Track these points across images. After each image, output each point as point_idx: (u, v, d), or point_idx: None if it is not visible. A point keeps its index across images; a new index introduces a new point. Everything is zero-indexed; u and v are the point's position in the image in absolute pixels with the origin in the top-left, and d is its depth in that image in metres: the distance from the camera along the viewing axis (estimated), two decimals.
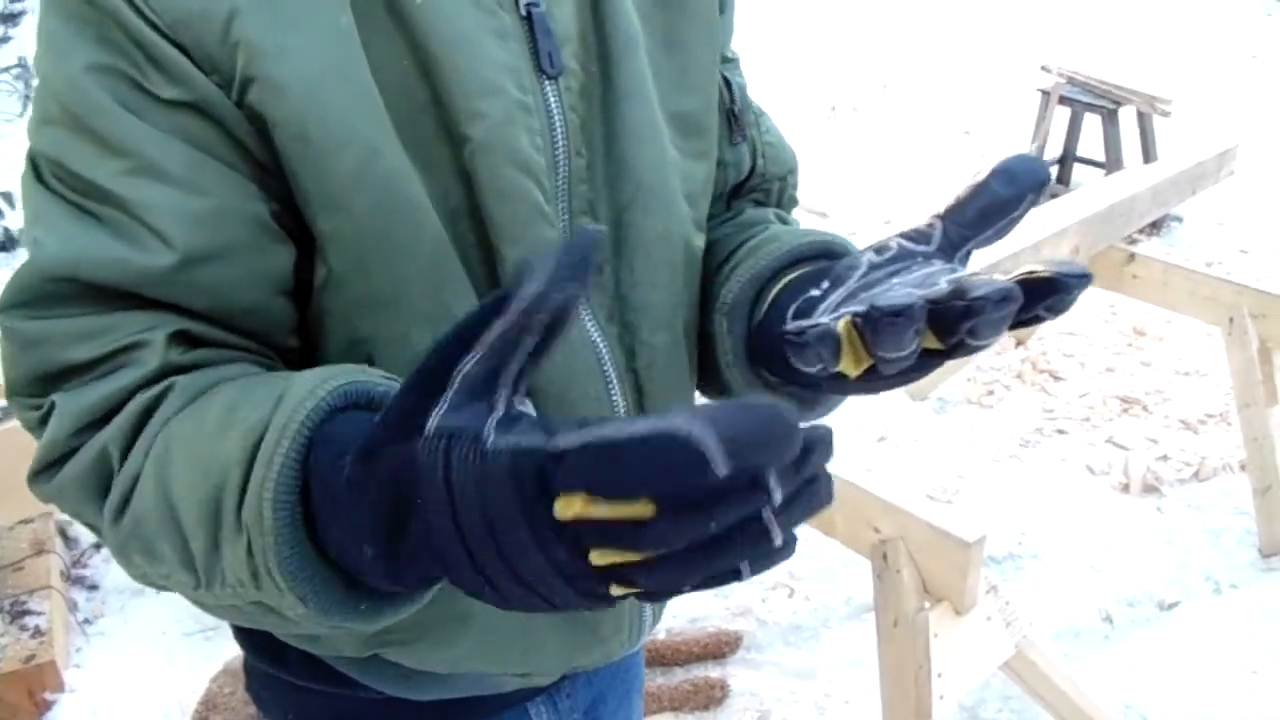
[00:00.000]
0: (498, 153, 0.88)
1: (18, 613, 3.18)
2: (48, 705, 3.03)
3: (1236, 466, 4.26)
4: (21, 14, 7.48)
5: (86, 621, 3.38)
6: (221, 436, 0.75)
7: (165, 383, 0.82)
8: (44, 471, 0.84)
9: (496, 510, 0.57)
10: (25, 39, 7.13)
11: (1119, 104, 6.83)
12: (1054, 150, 7.14)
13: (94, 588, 3.54)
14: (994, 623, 2.37)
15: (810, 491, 0.56)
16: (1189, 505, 4.12)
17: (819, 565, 3.67)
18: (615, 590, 0.57)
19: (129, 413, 0.81)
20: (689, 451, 0.49)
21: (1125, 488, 4.22)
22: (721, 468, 0.49)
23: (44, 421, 0.84)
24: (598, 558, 0.56)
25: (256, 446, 0.73)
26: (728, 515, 0.53)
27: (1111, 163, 6.76)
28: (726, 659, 3.29)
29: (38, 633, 3.12)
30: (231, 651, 2.92)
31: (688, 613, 3.45)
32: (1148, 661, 3.31)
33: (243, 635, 1.14)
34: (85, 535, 3.74)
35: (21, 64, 6.88)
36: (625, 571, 0.56)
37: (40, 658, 3.02)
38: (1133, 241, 4.17)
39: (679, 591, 0.57)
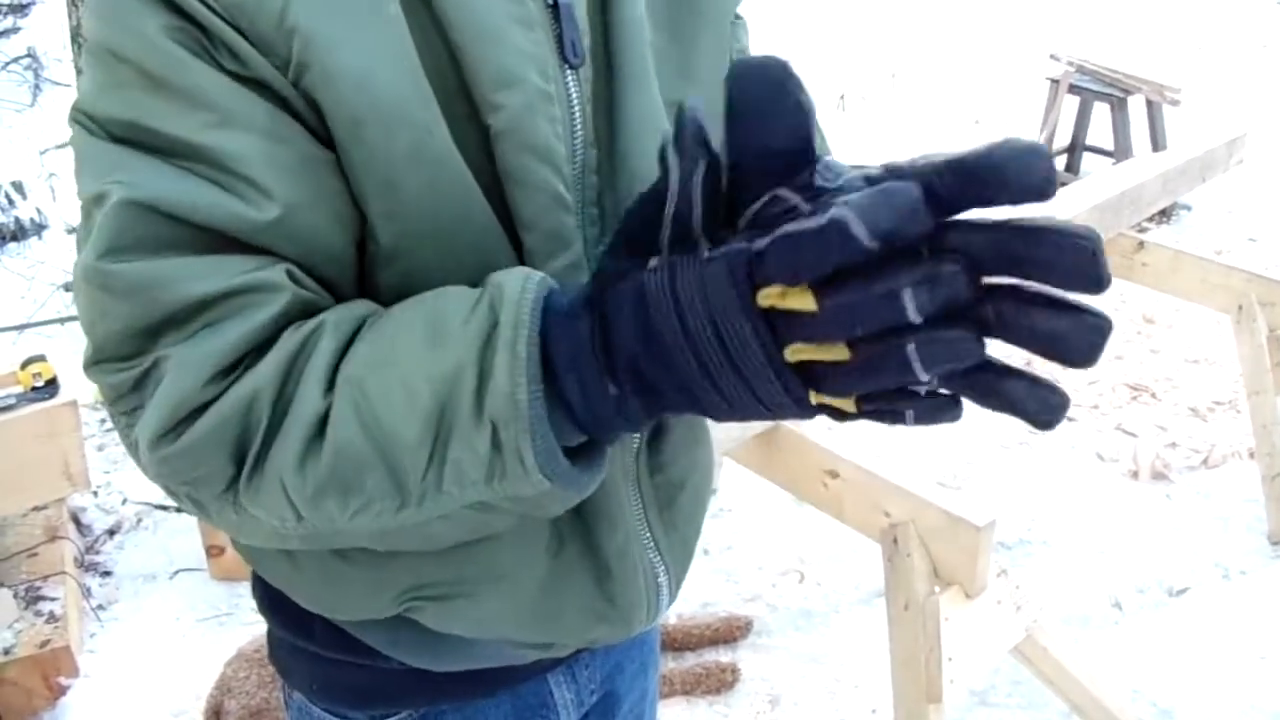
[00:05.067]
0: (518, 141, 0.89)
1: (32, 598, 3.20)
2: (62, 690, 3.05)
3: (1245, 454, 4.26)
4: (30, 4, 7.47)
5: (100, 607, 3.40)
6: (435, 350, 0.79)
7: (314, 321, 0.83)
8: (169, 433, 0.80)
9: (714, 301, 0.68)
10: (34, 30, 7.12)
11: (1128, 92, 6.82)
12: (1063, 139, 7.14)
13: (107, 574, 3.56)
14: (1004, 607, 2.38)
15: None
16: (1198, 492, 4.12)
17: (829, 550, 3.68)
18: (814, 398, 0.69)
19: (278, 355, 0.81)
20: (843, 233, 0.60)
21: (1134, 475, 4.22)
22: (866, 241, 0.60)
23: (140, 383, 0.82)
24: (791, 354, 0.67)
25: (485, 346, 0.77)
26: (875, 287, 0.62)
27: (1120, 151, 6.76)
28: (737, 643, 3.31)
29: (52, 618, 3.14)
30: (245, 636, 2.94)
31: (699, 597, 3.47)
32: (1157, 647, 3.32)
33: (267, 607, 1.16)
34: (98, 522, 3.76)
35: (31, 54, 6.88)
36: (817, 374, 0.67)
37: (55, 643, 3.04)
38: (1142, 229, 4.18)
39: (861, 412, 0.69)
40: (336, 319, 0.83)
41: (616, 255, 0.76)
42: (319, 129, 0.85)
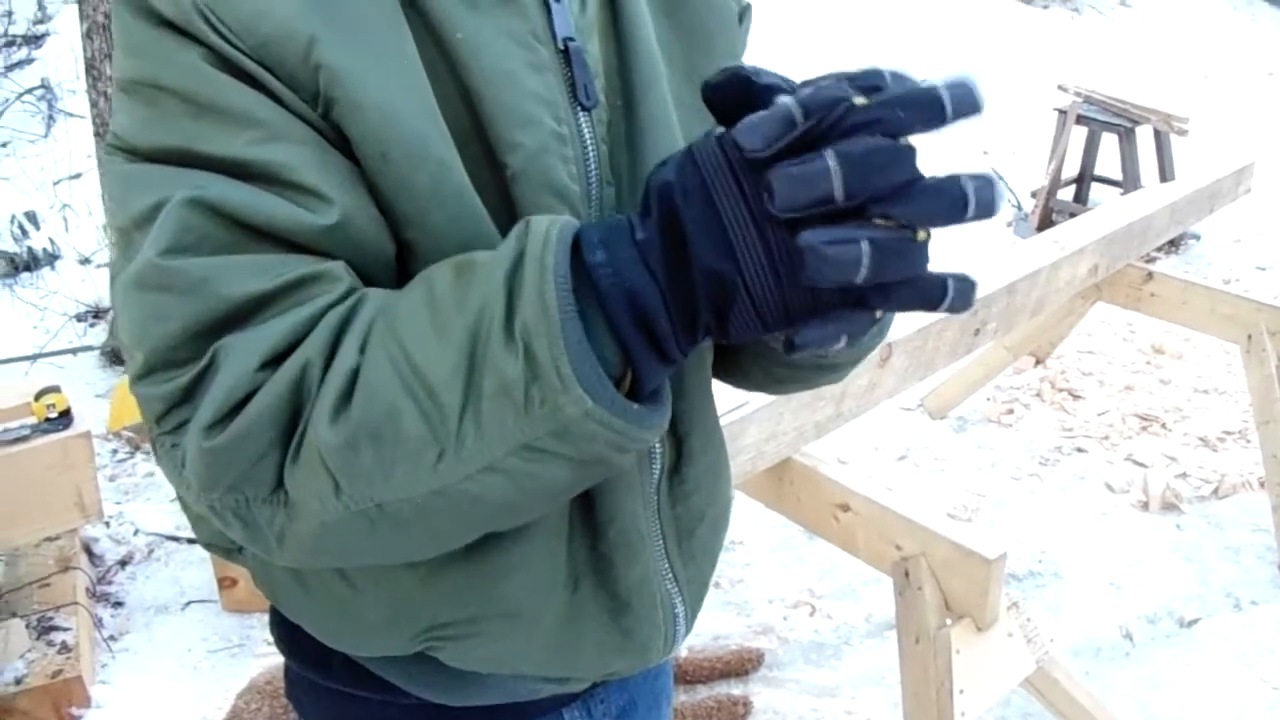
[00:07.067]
0: (535, 181, 0.91)
1: (45, 628, 3.20)
2: None
3: (1256, 483, 4.27)
4: (45, 36, 7.52)
5: (112, 638, 3.40)
6: (462, 285, 0.77)
7: (355, 295, 0.83)
8: (223, 420, 0.79)
9: (730, 154, 0.73)
10: (48, 60, 7.17)
11: (1136, 122, 6.85)
12: (1071, 169, 7.16)
13: (119, 604, 3.57)
14: (1015, 639, 2.38)
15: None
16: (1208, 522, 4.13)
17: (840, 583, 3.68)
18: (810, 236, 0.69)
19: (326, 325, 0.80)
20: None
21: (1145, 505, 4.22)
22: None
23: (194, 389, 0.80)
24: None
25: (515, 269, 0.76)
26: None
27: (1129, 181, 6.78)
28: (749, 676, 3.30)
29: (64, 648, 3.14)
30: (257, 668, 2.94)
31: (710, 630, 3.46)
32: (1168, 678, 3.32)
33: (285, 644, 1.16)
34: (110, 552, 3.76)
35: (45, 85, 6.92)
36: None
37: (67, 673, 3.04)
38: (1150, 259, 4.19)
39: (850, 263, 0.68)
40: (380, 291, 0.84)
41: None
42: (350, 159, 0.86)
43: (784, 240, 0.71)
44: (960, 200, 0.69)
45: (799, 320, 0.73)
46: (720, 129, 0.75)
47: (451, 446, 0.77)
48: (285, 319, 0.80)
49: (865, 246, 0.68)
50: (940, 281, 0.72)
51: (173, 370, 0.81)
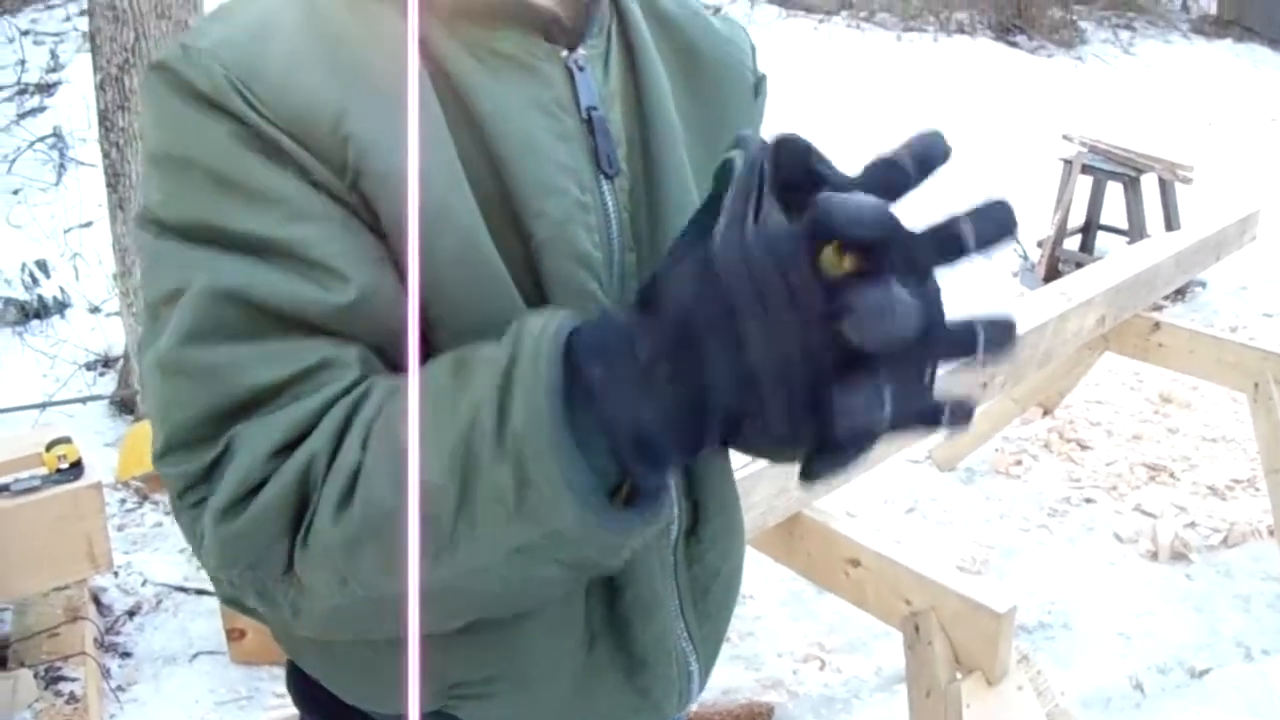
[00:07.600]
0: (559, 249, 0.93)
1: (53, 679, 3.19)
2: None
3: (1265, 532, 4.26)
4: (57, 84, 7.57)
5: (120, 689, 3.39)
6: (458, 388, 0.77)
7: (364, 385, 0.84)
8: (233, 508, 0.81)
9: (781, 249, 0.66)
10: (60, 109, 7.21)
11: (1141, 171, 6.87)
12: (1077, 218, 7.19)
13: (127, 655, 3.56)
14: (1025, 692, 2.38)
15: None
16: (1218, 571, 4.11)
17: (850, 637, 3.67)
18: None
19: (333, 418, 0.81)
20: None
21: (1154, 555, 4.21)
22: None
23: (211, 471, 0.83)
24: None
25: (507, 376, 0.74)
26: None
27: (1134, 230, 6.80)
28: None
29: (72, 699, 3.13)
30: None
31: (720, 685, 3.45)
32: None
33: (302, 697, 1.17)
34: (119, 602, 3.76)
35: (56, 134, 6.96)
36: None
37: None
38: (1157, 308, 4.20)
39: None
40: (386, 383, 0.84)
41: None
42: (376, 230, 0.88)
43: (809, 382, 0.66)
44: (971, 346, 0.66)
45: (809, 447, 0.70)
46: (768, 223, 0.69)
47: (446, 548, 0.77)
48: (296, 408, 0.82)
49: (887, 396, 0.65)
50: (938, 407, 0.69)
51: (190, 451, 0.84)
